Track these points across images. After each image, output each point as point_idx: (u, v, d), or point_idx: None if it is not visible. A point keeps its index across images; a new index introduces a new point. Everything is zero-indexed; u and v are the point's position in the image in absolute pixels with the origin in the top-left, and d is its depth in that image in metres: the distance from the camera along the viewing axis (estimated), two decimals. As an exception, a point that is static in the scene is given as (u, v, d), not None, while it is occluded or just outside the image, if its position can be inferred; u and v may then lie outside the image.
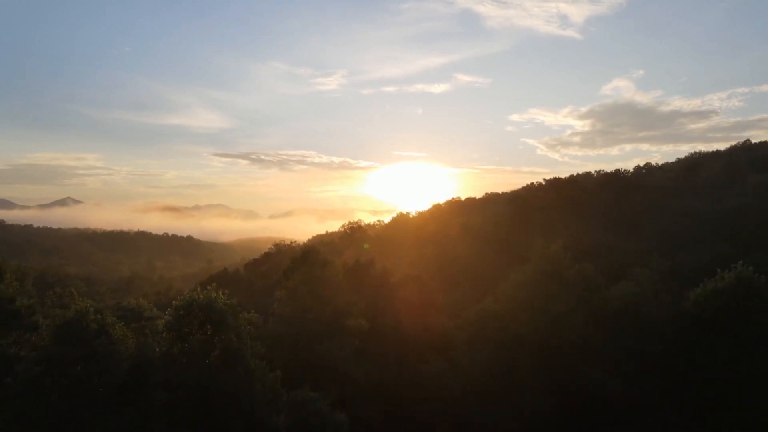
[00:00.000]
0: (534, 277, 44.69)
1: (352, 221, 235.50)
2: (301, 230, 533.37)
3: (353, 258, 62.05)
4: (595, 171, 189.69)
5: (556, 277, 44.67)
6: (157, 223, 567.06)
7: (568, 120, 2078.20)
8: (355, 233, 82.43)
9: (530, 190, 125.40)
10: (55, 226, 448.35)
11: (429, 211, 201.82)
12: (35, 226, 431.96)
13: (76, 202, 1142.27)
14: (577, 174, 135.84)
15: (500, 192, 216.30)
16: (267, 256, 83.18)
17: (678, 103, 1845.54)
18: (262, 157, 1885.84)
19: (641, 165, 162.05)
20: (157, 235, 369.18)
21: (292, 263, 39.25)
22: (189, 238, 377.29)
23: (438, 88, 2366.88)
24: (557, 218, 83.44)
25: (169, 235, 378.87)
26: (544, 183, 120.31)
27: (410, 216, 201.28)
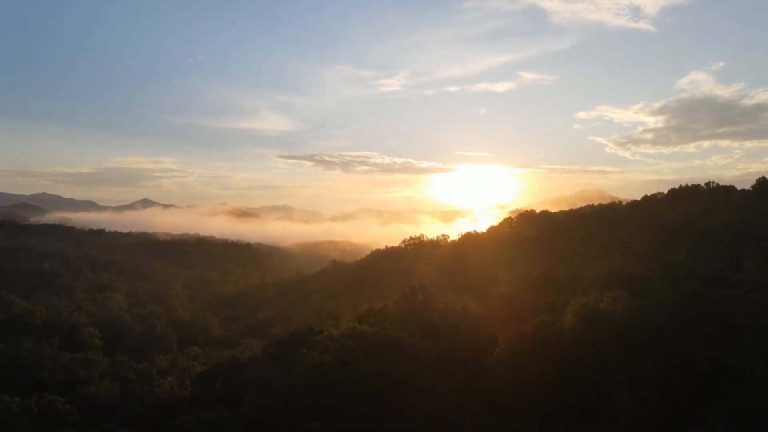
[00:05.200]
0: None
1: (413, 237, 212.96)
2: (363, 234, 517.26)
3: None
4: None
5: None
6: (222, 226, 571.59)
7: (640, 116, 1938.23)
8: (417, 297, 55.82)
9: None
10: (125, 230, 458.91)
11: (501, 230, 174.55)
12: (107, 230, 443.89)
13: (152, 203, 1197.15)
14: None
15: (595, 204, 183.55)
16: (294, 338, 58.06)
17: (763, 96, 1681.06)
18: (326, 158, 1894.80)
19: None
20: (216, 243, 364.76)
21: None
22: (248, 246, 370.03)
23: (502, 87, 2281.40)
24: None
25: (229, 242, 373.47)
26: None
27: (480, 235, 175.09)
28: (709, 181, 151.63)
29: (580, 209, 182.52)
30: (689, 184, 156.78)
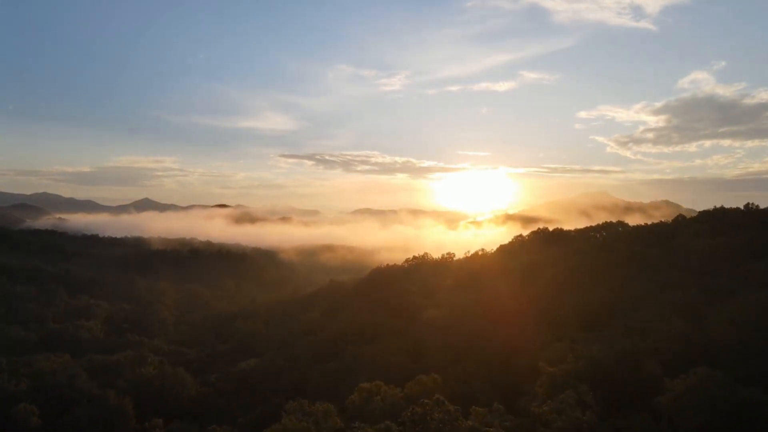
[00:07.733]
0: None
1: (416, 255, 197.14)
2: (364, 237, 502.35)
3: None
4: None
5: None
6: (220, 229, 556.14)
7: (641, 116, 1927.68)
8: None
9: None
10: (119, 235, 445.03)
11: (513, 251, 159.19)
12: (100, 236, 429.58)
13: (153, 202, 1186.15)
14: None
15: (614, 221, 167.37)
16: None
17: (765, 95, 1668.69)
18: (327, 157, 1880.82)
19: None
20: (210, 252, 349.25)
21: None
22: (244, 255, 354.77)
23: (503, 87, 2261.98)
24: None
25: (224, 250, 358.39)
26: None
27: (490, 258, 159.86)
28: (748, 203, 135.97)
29: (598, 229, 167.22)
30: (723, 206, 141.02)
